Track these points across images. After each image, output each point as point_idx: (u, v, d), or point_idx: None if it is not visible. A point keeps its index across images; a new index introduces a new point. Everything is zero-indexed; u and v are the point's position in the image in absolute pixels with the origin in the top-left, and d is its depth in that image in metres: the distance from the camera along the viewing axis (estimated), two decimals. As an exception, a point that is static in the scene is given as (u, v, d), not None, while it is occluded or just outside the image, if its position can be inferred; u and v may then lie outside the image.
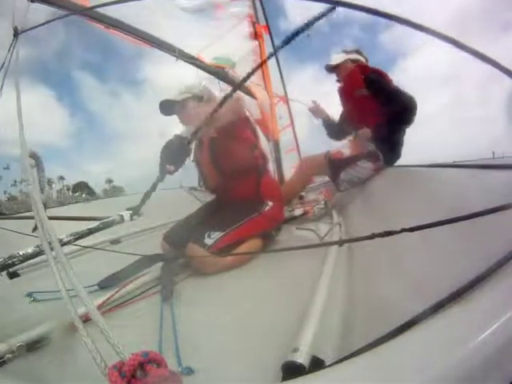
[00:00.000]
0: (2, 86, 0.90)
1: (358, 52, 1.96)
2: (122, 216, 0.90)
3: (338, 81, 1.98)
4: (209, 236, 1.07)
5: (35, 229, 0.52)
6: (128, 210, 0.96)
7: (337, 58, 1.95)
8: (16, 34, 0.90)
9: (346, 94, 1.95)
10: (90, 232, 0.77)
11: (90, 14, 1.49)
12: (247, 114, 1.46)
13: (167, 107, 1.34)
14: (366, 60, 1.97)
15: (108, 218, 0.87)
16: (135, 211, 0.95)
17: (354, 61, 1.92)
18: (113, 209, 0.95)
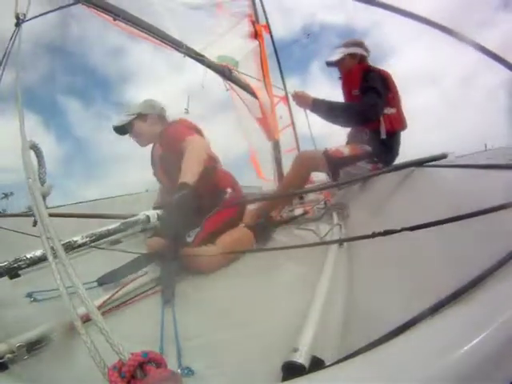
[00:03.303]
0: (1, 76, 0.88)
1: (358, 44, 1.90)
2: (147, 216, 0.78)
3: (340, 78, 1.95)
4: (189, 235, 1.14)
5: (35, 223, 0.50)
6: (155, 208, 0.85)
7: (336, 52, 1.91)
8: (18, 23, 0.87)
9: (345, 92, 1.93)
10: (110, 233, 0.68)
11: (95, 2, 1.47)
12: (187, 121, 1.52)
13: (119, 130, 1.51)
14: (368, 52, 1.92)
15: (131, 217, 0.76)
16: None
17: (353, 55, 1.87)
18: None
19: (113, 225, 0.70)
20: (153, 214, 0.81)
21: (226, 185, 1.37)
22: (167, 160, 1.32)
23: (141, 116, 1.47)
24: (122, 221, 0.73)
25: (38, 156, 0.59)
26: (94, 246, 1.21)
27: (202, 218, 1.20)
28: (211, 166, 1.35)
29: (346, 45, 1.92)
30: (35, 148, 0.59)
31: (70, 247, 0.62)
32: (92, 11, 1.53)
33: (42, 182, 0.56)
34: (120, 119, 1.50)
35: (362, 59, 1.89)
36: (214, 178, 1.35)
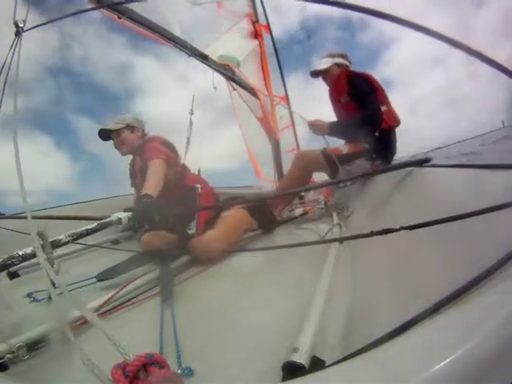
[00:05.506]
0: (4, 90, 0.88)
1: (342, 56, 1.97)
2: (119, 218, 0.89)
3: (327, 84, 2.00)
4: (189, 228, 1.28)
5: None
6: (126, 211, 0.94)
7: (323, 62, 1.95)
8: (18, 32, 0.87)
9: (333, 100, 1.97)
10: (88, 233, 0.77)
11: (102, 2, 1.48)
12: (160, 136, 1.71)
13: (105, 135, 1.64)
14: (350, 63, 1.98)
15: (105, 218, 0.86)
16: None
17: (339, 65, 1.93)
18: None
19: (90, 225, 0.79)
20: (124, 216, 0.90)
21: (195, 182, 1.58)
22: (145, 172, 1.52)
23: (130, 127, 1.64)
24: (98, 222, 0.82)
25: (43, 240, 0.61)
26: (96, 246, 1.21)
27: (192, 212, 1.36)
28: (180, 173, 1.62)
29: (332, 55, 1.97)
30: (41, 235, 0.61)
31: (55, 245, 0.67)
32: (98, 10, 1.53)
33: (51, 263, 0.58)
34: (111, 124, 1.63)
35: (346, 69, 1.94)
36: (184, 181, 1.59)
